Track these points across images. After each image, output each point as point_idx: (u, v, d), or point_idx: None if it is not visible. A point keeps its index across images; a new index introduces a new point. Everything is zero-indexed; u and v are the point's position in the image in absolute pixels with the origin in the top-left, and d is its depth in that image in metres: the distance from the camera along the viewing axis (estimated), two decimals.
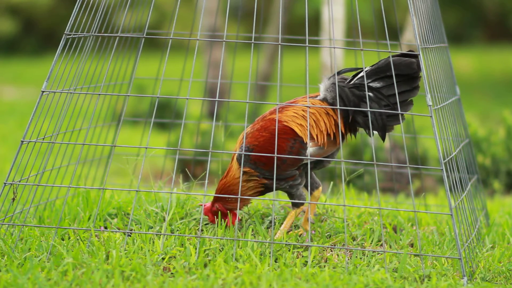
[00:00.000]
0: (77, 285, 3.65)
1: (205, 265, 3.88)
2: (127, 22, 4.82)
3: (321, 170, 7.46)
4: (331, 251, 4.11)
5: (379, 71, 4.00)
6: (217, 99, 3.91)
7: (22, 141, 4.12)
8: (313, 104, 4.01)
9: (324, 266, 3.96)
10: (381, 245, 4.22)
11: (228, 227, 4.12)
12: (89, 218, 4.39)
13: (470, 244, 4.18)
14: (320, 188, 4.13)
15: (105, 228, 4.25)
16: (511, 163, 7.56)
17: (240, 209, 4.08)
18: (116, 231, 4.09)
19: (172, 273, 3.81)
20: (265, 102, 4.09)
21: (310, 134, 3.98)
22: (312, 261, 3.97)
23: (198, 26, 5.49)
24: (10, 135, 10.34)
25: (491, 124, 10.58)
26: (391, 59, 3.97)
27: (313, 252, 4.00)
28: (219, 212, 4.08)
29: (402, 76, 3.99)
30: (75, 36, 4.24)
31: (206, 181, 3.97)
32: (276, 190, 4.05)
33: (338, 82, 3.98)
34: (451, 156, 4.16)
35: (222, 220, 4.10)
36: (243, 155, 3.98)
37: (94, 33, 4.25)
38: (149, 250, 3.94)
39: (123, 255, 3.85)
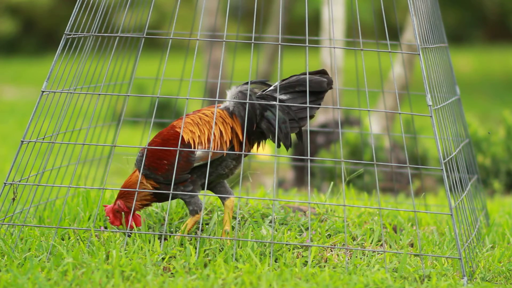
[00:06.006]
0: (77, 285, 3.65)
1: (205, 265, 3.88)
2: (127, 22, 4.82)
3: (322, 170, 7.45)
4: (331, 251, 4.11)
5: (288, 86, 4.06)
6: (217, 99, 3.91)
7: (22, 141, 4.12)
8: (213, 113, 4.06)
9: (324, 266, 3.96)
10: (381, 245, 4.22)
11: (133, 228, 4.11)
12: (89, 218, 4.39)
13: (470, 244, 4.18)
14: (232, 198, 4.10)
15: (105, 228, 4.25)
16: (511, 163, 7.57)
17: (138, 209, 4.10)
18: (116, 231, 4.09)
19: (172, 273, 3.81)
20: (264, 102, 4.08)
21: (200, 140, 4.03)
22: (312, 261, 3.97)
23: (198, 26, 5.49)
24: (10, 135, 10.34)
25: (491, 124, 10.58)
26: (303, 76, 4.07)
27: (313, 252, 4.00)
28: (122, 212, 4.11)
29: (311, 92, 4.06)
30: (75, 36, 4.24)
31: (206, 181, 3.98)
32: (172, 199, 4.09)
33: (245, 91, 4.04)
34: (451, 156, 4.16)
35: (126, 220, 4.11)
36: (137, 161, 4.08)
37: (94, 33, 4.25)
38: (149, 250, 3.94)
39: (123, 255, 3.85)
